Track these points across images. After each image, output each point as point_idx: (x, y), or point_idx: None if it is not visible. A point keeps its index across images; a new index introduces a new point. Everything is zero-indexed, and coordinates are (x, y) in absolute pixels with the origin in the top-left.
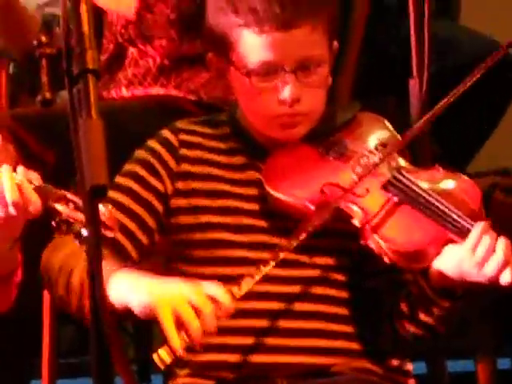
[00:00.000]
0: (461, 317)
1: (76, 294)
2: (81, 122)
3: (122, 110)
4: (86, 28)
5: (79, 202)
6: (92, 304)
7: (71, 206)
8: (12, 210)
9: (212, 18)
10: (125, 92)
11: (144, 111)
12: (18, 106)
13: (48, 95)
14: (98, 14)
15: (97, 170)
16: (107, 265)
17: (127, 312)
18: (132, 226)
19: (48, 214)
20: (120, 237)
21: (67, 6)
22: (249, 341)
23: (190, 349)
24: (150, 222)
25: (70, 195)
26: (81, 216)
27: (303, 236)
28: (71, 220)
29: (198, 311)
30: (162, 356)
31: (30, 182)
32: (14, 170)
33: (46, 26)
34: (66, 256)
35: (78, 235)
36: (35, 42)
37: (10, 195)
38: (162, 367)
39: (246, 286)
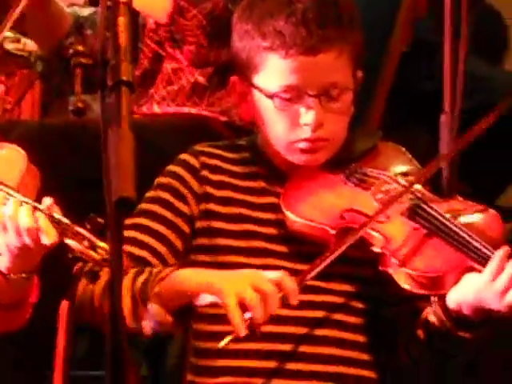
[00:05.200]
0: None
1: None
2: (111, 133)
3: (152, 127)
4: (122, 40)
5: (95, 240)
6: (110, 318)
7: (86, 243)
8: (25, 238)
9: (238, 40)
10: (156, 108)
11: (174, 129)
12: (48, 110)
13: (80, 105)
14: (135, 28)
15: (125, 182)
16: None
17: (184, 305)
18: (162, 249)
19: (64, 249)
20: (151, 259)
21: (105, 17)
22: (267, 364)
23: (251, 331)
24: (179, 244)
25: (86, 233)
26: (93, 255)
27: (331, 258)
28: (84, 257)
29: (261, 294)
30: (226, 341)
31: (50, 215)
32: (36, 192)
33: (76, 27)
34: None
35: (89, 273)
36: (71, 51)
37: (25, 221)
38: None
39: (308, 275)
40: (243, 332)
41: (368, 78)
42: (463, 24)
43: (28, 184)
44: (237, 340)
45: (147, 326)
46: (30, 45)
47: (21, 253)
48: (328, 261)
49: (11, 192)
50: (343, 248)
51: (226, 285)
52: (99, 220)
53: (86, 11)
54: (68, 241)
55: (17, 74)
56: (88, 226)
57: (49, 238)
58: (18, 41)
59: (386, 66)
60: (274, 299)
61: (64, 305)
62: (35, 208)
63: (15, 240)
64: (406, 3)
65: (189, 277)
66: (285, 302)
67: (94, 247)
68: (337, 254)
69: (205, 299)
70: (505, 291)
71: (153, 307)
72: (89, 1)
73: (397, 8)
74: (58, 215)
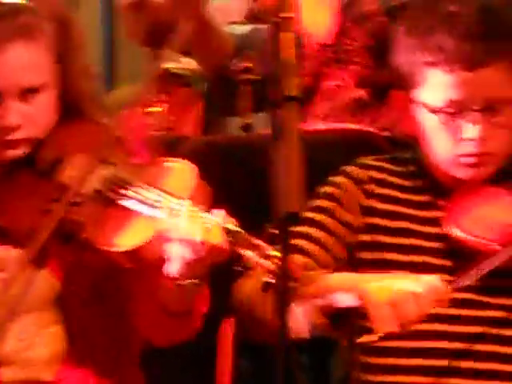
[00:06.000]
0: None
1: None
2: (280, 148)
3: (316, 143)
4: (289, 56)
5: (268, 250)
6: (280, 339)
7: (259, 253)
8: (199, 248)
9: (399, 55)
10: (319, 125)
11: (337, 145)
12: (209, 128)
13: (248, 120)
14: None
15: (293, 197)
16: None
17: (332, 312)
18: (326, 258)
19: (236, 259)
20: (314, 267)
21: (273, 34)
22: (428, 380)
23: (402, 329)
24: (342, 253)
25: (261, 243)
26: (267, 264)
27: (485, 272)
28: (257, 268)
29: (412, 294)
30: (375, 336)
31: (223, 225)
32: (207, 209)
33: (238, 47)
34: None
35: (263, 284)
36: (239, 68)
37: (199, 233)
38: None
39: (461, 282)
40: (392, 328)
41: None
42: None
43: (199, 199)
44: (387, 338)
45: (304, 327)
46: (191, 64)
47: (192, 261)
48: (485, 270)
49: (183, 203)
50: (501, 258)
51: (375, 285)
52: (272, 230)
53: (245, 29)
54: (241, 251)
55: (178, 93)
56: (261, 237)
57: (221, 248)
58: (179, 60)
59: None
60: (424, 300)
61: (227, 322)
62: (208, 219)
63: (188, 250)
64: None
65: (337, 279)
66: (436, 305)
67: (267, 257)
68: (494, 264)
69: (349, 300)
70: None
71: (305, 309)
72: (247, 18)
73: None
74: (230, 225)
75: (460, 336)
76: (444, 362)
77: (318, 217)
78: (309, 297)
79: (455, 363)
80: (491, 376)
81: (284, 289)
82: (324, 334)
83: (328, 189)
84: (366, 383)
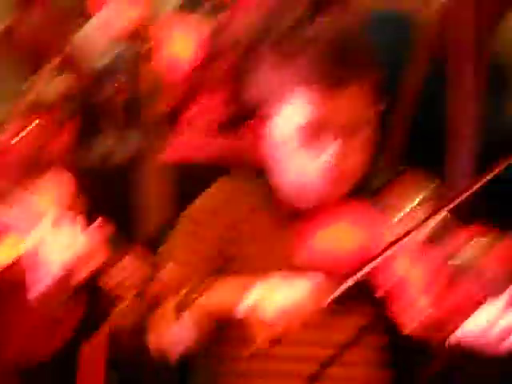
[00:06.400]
0: None
1: None
2: (142, 170)
3: (178, 166)
4: (154, 79)
5: (136, 266)
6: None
7: (128, 269)
8: (65, 265)
9: (259, 80)
10: (180, 146)
11: (198, 166)
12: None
13: (110, 142)
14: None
15: (153, 220)
16: None
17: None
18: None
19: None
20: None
21: (139, 58)
22: None
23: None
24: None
25: (127, 259)
26: (135, 280)
27: (341, 291)
28: (125, 283)
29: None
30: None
31: (95, 245)
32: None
33: (109, 70)
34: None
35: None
36: (108, 89)
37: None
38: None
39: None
40: (265, 343)
41: (388, 107)
42: None
43: (69, 214)
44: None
45: (177, 346)
46: (60, 86)
47: (57, 280)
48: (338, 291)
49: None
50: (353, 278)
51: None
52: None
53: (116, 48)
54: (110, 266)
55: (44, 116)
56: (129, 250)
57: (93, 256)
58: (49, 82)
59: (402, 101)
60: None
61: (99, 340)
62: (77, 233)
63: (53, 268)
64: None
65: (226, 288)
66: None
67: (136, 272)
68: (344, 287)
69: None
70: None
71: (192, 318)
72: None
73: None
74: (103, 242)
75: (313, 359)
76: (315, 368)
77: (179, 254)
78: (201, 306)
79: (326, 370)
80: (360, 382)
81: (148, 305)
82: (197, 345)
83: (184, 222)
84: None
